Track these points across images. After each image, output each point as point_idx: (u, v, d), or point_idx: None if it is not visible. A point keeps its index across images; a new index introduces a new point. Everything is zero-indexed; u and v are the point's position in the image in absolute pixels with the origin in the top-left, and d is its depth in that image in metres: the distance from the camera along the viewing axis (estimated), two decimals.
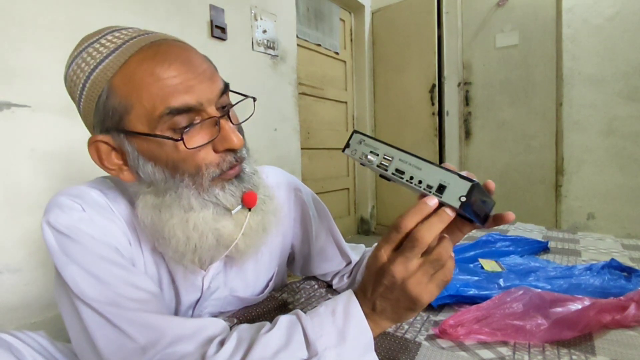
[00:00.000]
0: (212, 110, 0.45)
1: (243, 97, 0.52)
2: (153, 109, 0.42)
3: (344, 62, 2.98)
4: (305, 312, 0.43)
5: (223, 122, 0.46)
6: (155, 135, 0.43)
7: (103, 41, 0.45)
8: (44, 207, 0.48)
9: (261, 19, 2.00)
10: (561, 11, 2.38)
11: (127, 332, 0.41)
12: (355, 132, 0.45)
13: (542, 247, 0.99)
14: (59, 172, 1.21)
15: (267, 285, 0.67)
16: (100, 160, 0.47)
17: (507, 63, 2.63)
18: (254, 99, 0.52)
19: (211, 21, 1.72)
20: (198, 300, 0.58)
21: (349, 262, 0.73)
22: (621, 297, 0.58)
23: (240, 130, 0.51)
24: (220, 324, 0.45)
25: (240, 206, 0.48)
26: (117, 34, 0.45)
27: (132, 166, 0.46)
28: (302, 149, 2.37)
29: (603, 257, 0.93)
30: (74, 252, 0.44)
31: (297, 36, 2.32)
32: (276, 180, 0.66)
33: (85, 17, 1.28)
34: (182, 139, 0.43)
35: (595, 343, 0.51)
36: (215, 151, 0.46)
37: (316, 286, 0.72)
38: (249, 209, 0.49)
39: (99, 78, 0.43)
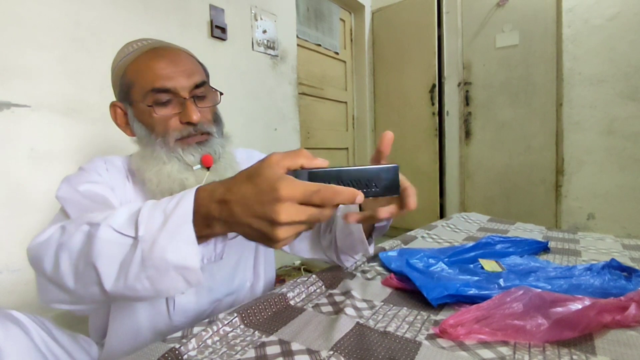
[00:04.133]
0: (185, 94, 0.64)
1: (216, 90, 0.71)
2: (145, 87, 0.63)
3: (344, 62, 2.98)
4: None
5: (189, 103, 0.63)
6: (138, 102, 0.64)
7: (134, 45, 0.68)
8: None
9: (261, 19, 2.00)
10: (561, 11, 2.38)
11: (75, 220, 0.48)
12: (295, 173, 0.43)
13: (542, 248, 0.99)
14: (59, 172, 1.20)
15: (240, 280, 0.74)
16: (115, 119, 0.69)
17: (507, 63, 2.63)
18: (221, 93, 0.70)
19: (211, 21, 1.72)
20: None
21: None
22: (621, 297, 0.58)
23: (218, 120, 0.70)
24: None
25: (199, 165, 0.64)
26: (143, 41, 0.68)
27: (131, 125, 0.67)
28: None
29: (603, 257, 0.93)
30: (80, 180, 0.62)
31: (297, 36, 2.33)
32: (250, 154, 0.83)
33: (85, 18, 1.28)
34: (152, 106, 0.63)
35: (595, 343, 0.51)
36: (180, 122, 0.64)
37: (318, 282, 0.72)
38: (207, 169, 0.64)
39: (121, 66, 0.67)
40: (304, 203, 0.36)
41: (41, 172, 1.17)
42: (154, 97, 0.63)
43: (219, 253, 0.71)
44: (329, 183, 0.39)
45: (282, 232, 0.36)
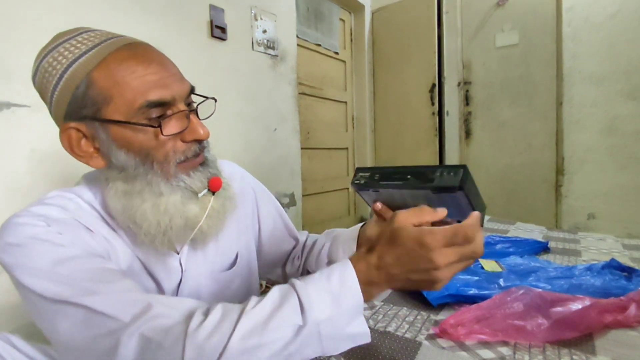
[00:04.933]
0: (182, 106, 0.51)
1: (205, 99, 0.58)
2: (133, 101, 0.47)
3: (344, 62, 2.97)
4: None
5: (192, 115, 0.52)
6: (135, 123, 0.48)
7: (79, 39, 0.49)
8: None
9: (261, 19, 2.00)
10: (561, 10, 2.37)
11: (110, 314, 0.40)
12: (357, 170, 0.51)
13: (542, 247, 0.99)
14: (59, 172, 1.20)
15: (233, 263, 0.68)
16: (70, 147, 0.51)
17: (507, 62, 2.62)
18: (215, 100, 0.58)
19: (211, 21, 1.72)
20: (179, 284, 0.59)
21: (297, 242, 0.79)
22: (622, 297, 0.58)
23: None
24: (202, 302, 0.45)
25: (206, 190, 0.53)
26: (91, 34, 0.50)
27: (104, 152, 0.50)
28: (302, 149, 2.37)
29: (603, 257, 0.93)
30: (35, 260, 0.43)
31: (297, 36, 2.32)
32: (230, 170, 0.72)
33: (84, 18, 1.28)
34: (159, 126, 0.49)
35: (595, 343, 0.51)
36: (183, 141, 0.51)
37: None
38: (213, 193, 0.54)
39: (77, 71, 0.48)
40: (449, 245, 0.40)
41: (42, 172, 1.17)
42: (147, 112, 0.48)
43: None
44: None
45: (442, 274, 0.40)
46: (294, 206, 2.27)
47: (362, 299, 0.41)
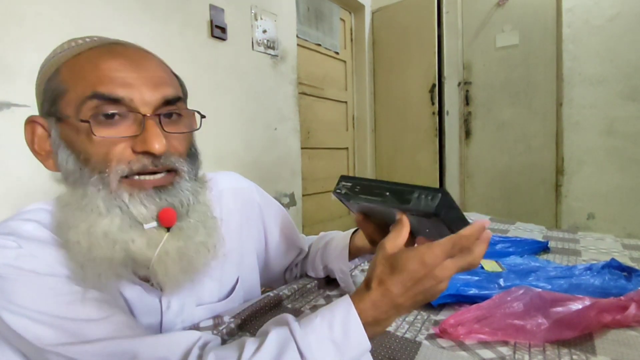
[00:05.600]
0: (146, 111, 0.43)
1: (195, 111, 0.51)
2: (83, 93, 0.42)
3: (344, 62, 2.98)
4: (298, 320, 0.41)
5: (151, 123, 0.43)
6: (69, 117, 0.42)
7: (78, 40, 0.47)
8: None
9: (261, 18, 2.00)
10: (561, 11, 2.38)
11: None
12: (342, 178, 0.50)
13: (542, 247, 0.99)
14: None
15: (232, 290, 0.63)
16: (31, 143, 0.46)
17: (507, 63, 2.63)
18: (202, 116, 0.49)
19: (211, 21, 1.72)
20: (161, 324, 0.52)
21: (300, 251, 0.77)
22: (621, 297, 0.58)
23: (194, 155, 0.50)
24: (195, 335, 0.42)
25: (155, 222, 0.42)
26: (94, 38, 0.47)
27: (55, 152, 0.45)
28: (302, 148, 2.37)
29: (603, 257, 0.93)
30: (17, 295, 0.38)
31: (297, 36, 2.32)
32: (234, 184, 0.64)
33: (85, 17, 1.28)
34: (88, 122, 0.41)
35: (595, 343, 0.51)
36: (134, 151, 0.42)
37: (313, 281, 0.72)
38: (167, 229, 0.43)
39: (53, 63, 0.45)
40: (448, 257, 0.39)
41: (42, 172, 1.17)
42: (95, 107, 0.41)
43: None
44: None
45: (444, 286, 0.40)
46: (294, 206, 2.27)
47: (368, 345, 0.39)
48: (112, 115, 0.42)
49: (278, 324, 0.41)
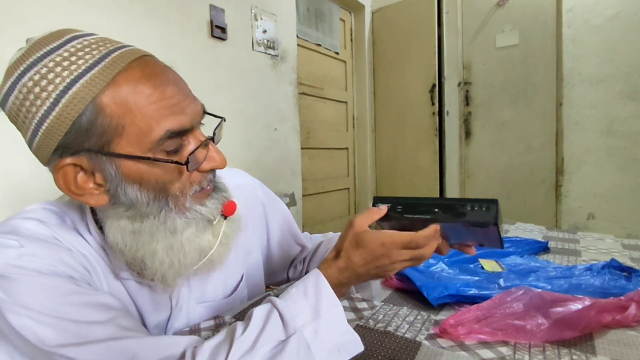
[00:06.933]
0: (200, 133, 0.46)
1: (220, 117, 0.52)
2: (148, 131, 0.40)
3: (344, 62, 2.98)
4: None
5: (212, 144, 0.47)
6: (157, 159, 0.42)
7: (72, 49, 0.40)
8: None
9: (261, 18, 2.00)
10: (561, 11, 2.38)
11: None
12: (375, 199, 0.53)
13: (542, 247, 0.99)
14: None
15: (236, 287, 0.64)
16: (67, 187, 0.42)
17: (507, 63, 2.63)
18: (224, 119, 0.51)
19: (211, 21, 1.72)
20: (169, 318, 0.55)
21: (303, 248, 0.78)
22: (621, 297, 0.58)
23: None
24: (193, 338, 0.44)
25: (220, 216, 0.50)
26: (85, 42, 0.41)
27: (111, 189, 0.43)
28: (302, 148, 2.37)
29: (603, 257, 0.93)
30: (21, 295, 0.38)
31: (297, 36, 2.33)
32: (238, 181, 0.65)
33: (84, 17, 1.28)
34: (187, 163, 0.43)
35: (595, 343, 0.51)
36: (200, 171, 0.46)
37: None
38: (225, 218, 0.51)
39: (81, 94, 0.38)
40: (404, 247, 0.47)
41: (42, 173, 1.17)
42: (172, 144, 0.42)
43: None
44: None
45: (395, 267, 0.48)
46: (294, 206, 2.27)
47: (337, 301, 0.45)
48: (180, 147, 0.44)
49: (262, 304, 0.46)
